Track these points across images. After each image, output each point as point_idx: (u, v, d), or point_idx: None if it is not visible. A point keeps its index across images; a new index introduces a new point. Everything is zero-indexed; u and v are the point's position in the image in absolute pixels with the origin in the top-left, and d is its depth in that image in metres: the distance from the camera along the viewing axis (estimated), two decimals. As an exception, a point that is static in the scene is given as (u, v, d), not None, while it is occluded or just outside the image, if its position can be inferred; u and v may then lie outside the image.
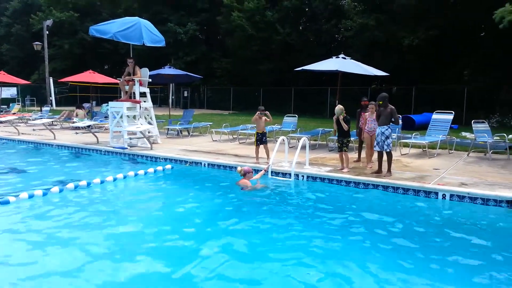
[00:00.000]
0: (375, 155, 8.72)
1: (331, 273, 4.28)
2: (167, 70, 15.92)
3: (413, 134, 11.47)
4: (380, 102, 8.09)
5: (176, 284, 4.06)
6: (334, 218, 6.05)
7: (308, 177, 8.27)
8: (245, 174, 7.76)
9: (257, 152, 9.49)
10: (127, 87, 12.38)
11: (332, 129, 13.30)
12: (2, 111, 22.64)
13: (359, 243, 5.11)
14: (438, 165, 9.21)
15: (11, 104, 25.94)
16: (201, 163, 9.64)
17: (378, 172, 8.14)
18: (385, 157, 8.14)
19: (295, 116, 14.42)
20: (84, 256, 4.66)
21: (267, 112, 9.64)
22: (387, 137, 8.00)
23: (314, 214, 6.27)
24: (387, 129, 8.03)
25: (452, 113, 11.53)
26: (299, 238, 5.28)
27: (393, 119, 8.09)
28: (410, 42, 22.25)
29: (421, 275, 4.23)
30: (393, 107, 8.08)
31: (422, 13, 22.60)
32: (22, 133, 15.14)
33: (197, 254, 4.73)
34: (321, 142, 13.00)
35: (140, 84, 12.40)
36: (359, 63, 12.06)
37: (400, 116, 12.16)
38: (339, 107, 8.66)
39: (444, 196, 6.89)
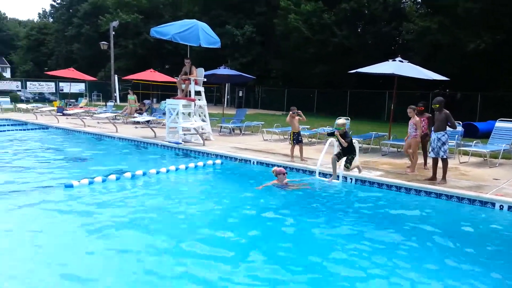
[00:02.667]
0: (420, 160, 8.47)
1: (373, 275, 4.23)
2: (222, 71, 16.33)
3: (474, 142, 10.87)
4: (437, 106, 7.78)
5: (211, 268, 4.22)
6: (377, 221, 5.94)
7: (356, 180, 8.14)
8: (277, 174, 7.68)
9: (292, 151, 9.76)
10: (183, 86, 12.90)
11: (387, 133, 13.02)
12: (70, 105, 24.39)
13: (404, 249, 4.97)
14: (499, 175, 8.67)
15: (79, 99, 27.88)
16: (250, 160, 9.82)
17: (432, 179, 7.83)
18: (440, 164, 7.81)
19: (348, 119, 14.18)
20: (139, 237, 4.97)
21: (299, 111, 9.83)
22: (443, 143, 7.67)
23: (356, 218, 6.18)
24: (443, 135, 7.71)
25: (517, 121, 10.79)
26: (337, 241, 5.24)
27: (449, 124, 7.75)
28: (476, 46, 21.03)
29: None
30: (447, 111, 7.74)
31: (488, 16, 21.27)
32: (88, 126, 16.24)
33: (235, 246, 4.88)
34: (374, 146, 12.69)
35: (196, 83, 12.86)
36: (417, 66, 11.63)
37: (461, 122, 11.61)
38: (339, 121, 8.15)
39: (501, 207, 6.49)
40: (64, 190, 7.01)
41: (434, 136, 7.82)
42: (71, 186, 7.14)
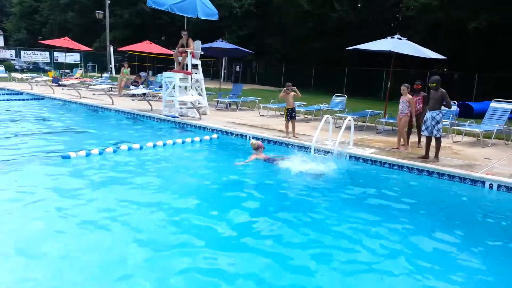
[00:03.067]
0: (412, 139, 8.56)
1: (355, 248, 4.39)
2: (219, 44, 16.15)
3: (468, 121, 10.98)
4: (434, 84, 7.82)
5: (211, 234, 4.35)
6: (368, 198, 6.10)
7: (351, 157, 8.26)
8: (257, 148, 7.87)
9: (287, 126, 9.89)
10: (180, 59, 12.78)
11: (382, 111, 13.08)
12: (65, 75, 24.13)
13: (394, 227, 5.12)
14: (490, 155, 8.82)
15: (74, 69, 27.54)
16: (246, 135, 9.89)
17: (425, 157, 7.96)
18: (433, 142, 7.93)
19: (344, 96, 14.23)
20: (132, 209, 5.09)
21: (294, 87, 9.89)
22: (437, 122, 7.76)
23: (346, 193, 6.32)
24: (438, 114, 7.79)
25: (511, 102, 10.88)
26: (330, 217, 5.39)
27: (444, 103, 7.82)
28: (476, 26, 20.85)
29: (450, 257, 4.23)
30: (444, 90, 7.80)
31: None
32: (84, 97, 16.15)
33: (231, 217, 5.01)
34: (370, 124, 12.78)
35: (193, 56, 12.75)
36: (415, 44, 11.58)
37: (456, 102, 11.68)
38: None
39: (491, 186, 6.65)
40: (61, 161, 7.08)
41: (428, 114, 7.90)
42: (68, 157, 7.20)
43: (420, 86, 9.52)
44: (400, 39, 11.48)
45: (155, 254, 4.01)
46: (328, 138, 9.31)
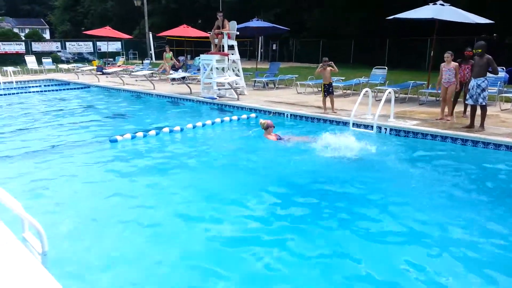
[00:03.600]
0: (458, 109, 8.22)
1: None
2: (255, 23, 16.09)
3: (518, 88, 10.38)
4: (479, 50, 7.44)
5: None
6: (410, 170, 5.99)
7: (391, 130, 8.10)
8: (267, 127, 7.54)
9: (324, 102, 9.75)
10: (216, 41, 12.90)
11: (425, 82, 12.59)
12: (109, 64, 25.02)
13: (440, 199, 5.03)
14: (543, 122, 8.34)
15: (116, 57, 28.47)
16: (283, 113, 9.92)
17: (470, 126, 7.66)
18: (478, 111, 7.60)
19: (385, 68, 13.82)
20: (175, 186, 5.35)
21: (331, 62, 9.63)
22: (483, 90, 7.42)
23: (389, 168, 6.24)
24: (483, 81, 7.43)
25: None
26: (371, 190, 5.37)
27: (490, 69, 7.44)
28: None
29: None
30: (490, 56, 7.41)
31: None
32: (127, 84, 16.73)
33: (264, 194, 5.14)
34: (412, 96, 12.38)
35: (228, 37, 12.81)
36: (459, 10, 10.97)
37: (504, 68, 11.04)
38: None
39: (542, 154, 6.34)
40: (109, 144, 7.50)
41: (473, 82, 7.56)
42: (115, 140, 7.61)
43: (472, 53, 9.01)
44: (443, 5, 10.93)
45: (197, 227, 4.22)
46: (367, 112, 9.15)
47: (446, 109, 8.70)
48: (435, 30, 11.74)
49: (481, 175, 5.86)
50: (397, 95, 12.24)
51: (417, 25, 24.59)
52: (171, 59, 19.16)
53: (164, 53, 19.31)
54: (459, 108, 9.26)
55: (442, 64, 8.66)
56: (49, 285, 2.64)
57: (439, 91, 8.98)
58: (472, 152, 6.91)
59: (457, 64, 8.61)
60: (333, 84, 9.96)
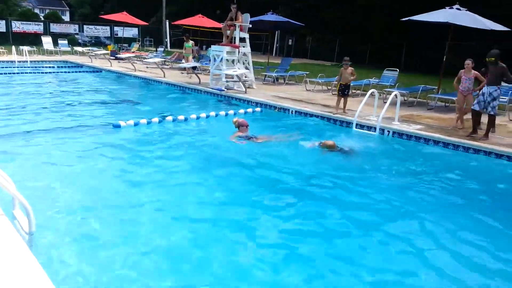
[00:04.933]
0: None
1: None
2: (270, 17, 15.99)
3: (531, 99, 10.17)
4: (493, 59, 7.29)
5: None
6: (406, 175, 5.95)
7: (394, 132, 8.03)
8: (239, 126, 7.31)
9: (337, 102, 9.42)
10: (228, 32, 12.88)
11: (436, 87, 12.40)
12: (123, 49, 25.19)
13: (433, 206, 4.98)
14: (551, 135, 8.17)
15: (131, 43, 28.63)
16: (288, 109, 9.90)
17: (473, 133, 7.55)
18: (484, 119, 7.49)
19: (396, 70, 13.67)
20: (176, 171, 5.40)
21: (352, 69, 9.31)
22: (494, 99, 7.29)
23: (384, 170, 6.20)
24: (496, 90, 7.30)
25: None
26: (364, 194, 5.35)
27: (504, 79, 7.31)
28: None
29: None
30: (504, 65, 7.27)
31: None
32: (138, 70, 16.85)
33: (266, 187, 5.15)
34: (422, 100, 12.23)
35: (241, 30, 12.78)
36: (475, 15, 10.76)
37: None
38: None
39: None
40: (112, 129, 7.58)
41: (486, 89, 7.41)
42: (118, 126, 7.69)
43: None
44: (459, 9, 10.74)
45: (202, 215, 4.27)
46: (373, 113, 9.08)
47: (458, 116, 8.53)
48: (450, 35, 11.55)
49: (479, 184, 5.78)
50: (405, 99, 12.11)
51: (435, 28, 24.25)
52: (192, 49, 18.27)
53: (185, 42, 18.74)
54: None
55: (461, 71, 8.43)
56: (30, 266, 2.70)
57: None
58: (474, 160, 6.81)
59: (477, 73, 8.34)
60: (350, 85, 9.59)
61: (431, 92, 12.29)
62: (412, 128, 8.06)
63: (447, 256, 3.74)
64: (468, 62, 8.28)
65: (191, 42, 17.44)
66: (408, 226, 4.31)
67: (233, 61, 12.80)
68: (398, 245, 3.92)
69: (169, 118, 8.43)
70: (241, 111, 9.59)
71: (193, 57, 19.67)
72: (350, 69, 9.33)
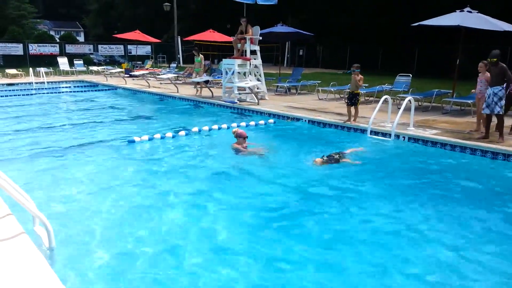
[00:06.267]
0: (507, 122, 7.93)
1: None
2: (279, 28, 16.12)
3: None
4: (494, 60, 7.22)
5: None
6: (424, 180, 5.87)
7: (409, 138, 7.94)
8: (237, 137, 7.24)
9: (349, 111, 9.15)
10: (239, 45, 13.02)
11: (451, 91, 12.25)
12: (137, 67, 25.64)
13: (453, 214, 4.87)
14: None
15: (145, 61, 29.13)
16: (301, 119, 9.89)
17: (485, 137, 7.42)
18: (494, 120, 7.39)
19: (409, 76, 13.57)
20: (197, 183, 5.44)
21: (360, 76, 9.02)
22: (500, 98, 7.20)
23: (403, 177, 6.13)
24: (500, 90, 7.21)
25: None
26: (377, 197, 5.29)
27: (505, 78, 7.22)
28: None
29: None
30: (504, 65, 7.20)
31: None
32: (152, 86, 17.10)
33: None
34: (436, 104, 12.09)
35: (251, 42, 12.91)
36: (487, 17, 10.65)
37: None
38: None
39: None
40: (127, 145, 7.70)
41: (490, 90, 7.33)
42: (133, 141, 7.80)
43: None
44: (470, 12, 10.66)
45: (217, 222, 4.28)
46: (387, 119, 9.01)
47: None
48: (461, 38, 11.45)
49: (499, 187, 5.66)
50: (420, 104, 12.01)
51: (446, 32, 24.06)
52: (200, 65, 18.13)
53: (195, 57, 18.76)
54: (507, 122, 8.36)
55: (479, 74, 8.36)
56: (50, 281, 2.75)
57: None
58: (491, 163, 6.68)
59: (488, 75, 8.22)
60: (359, 94, 9.17)
61: (446, 96, 12.16)
62: (428, 133, 7.96)
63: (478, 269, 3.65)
64: (481, 65, 8.20)
65: (200, 57, 16.94)
66: (430, 234, 4.24)
67: (244, 73, 12.90)
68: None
69: (182, 132, 8.51)
70: (252, 123, 9.61)
71: (205, 72, 19.89)
72: (359, 76, 9.04)
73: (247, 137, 7.30)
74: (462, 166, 6.67)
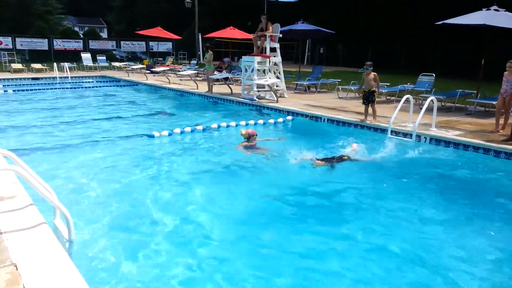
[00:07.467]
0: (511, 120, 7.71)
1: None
2: (299, 26, 16.00)
3: None
4: None
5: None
6: (444, 183, 5.74)
7: (431, 139, 7.78)
8: (249, 137, 7.24)
9: (366, 110, 9.05)
10: (259, 43, 12.99)
11: (475, 91, 11.94)
12: (158, 63, 25.91)
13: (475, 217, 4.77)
14: None
15: (166, 57, 29.42)
16: (321, 118, 9.81)
17: (510, 139, 7.19)
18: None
19: (432, 75, 13.27)
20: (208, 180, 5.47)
21: (374, 74, 8.90)
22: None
23: (426, 178, 6.01)
24: None
25: None
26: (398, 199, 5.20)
27: None
28: None
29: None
30: None
31: None
32: (172, 83, 17.27)
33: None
34: (460, 105, 11.81)
35: (271, 40, 12.86)
36: (516, 15, 10.33)
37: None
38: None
39: None
40: (147, 139, 7.80)
41: None
42: (152, 136, 7.90)
43: None
44: (497, 10, 10.35)
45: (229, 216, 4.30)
46: (408, 120, 8.85)
47: (502, 121, 8.20)
48: (487, 37, 11.14)
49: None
50: (443, 104, 11.75)
51: (472, 31, 23.47)
52: (209, 60, 17.51)
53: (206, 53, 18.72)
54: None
55: (505, 73, 8.13)
56: (69, 272, 2.80)
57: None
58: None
59: None
60: (375, 92, 8.99)
61: (470, 96, 11.86)
62: (450, 134, 7.78)
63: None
64: (510, 64, 7.96)
65: (209, 53, 14.87)
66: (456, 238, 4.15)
67: (264, 71, 12.87)
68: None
69: (199, 127, 8.58)
70: (271, 121, 9.60)
71: (225, 68, 19.96)
72: (372, 74, 8.88)
73: (256, 134, 7.43)
74: (485, 169, 6.49)
